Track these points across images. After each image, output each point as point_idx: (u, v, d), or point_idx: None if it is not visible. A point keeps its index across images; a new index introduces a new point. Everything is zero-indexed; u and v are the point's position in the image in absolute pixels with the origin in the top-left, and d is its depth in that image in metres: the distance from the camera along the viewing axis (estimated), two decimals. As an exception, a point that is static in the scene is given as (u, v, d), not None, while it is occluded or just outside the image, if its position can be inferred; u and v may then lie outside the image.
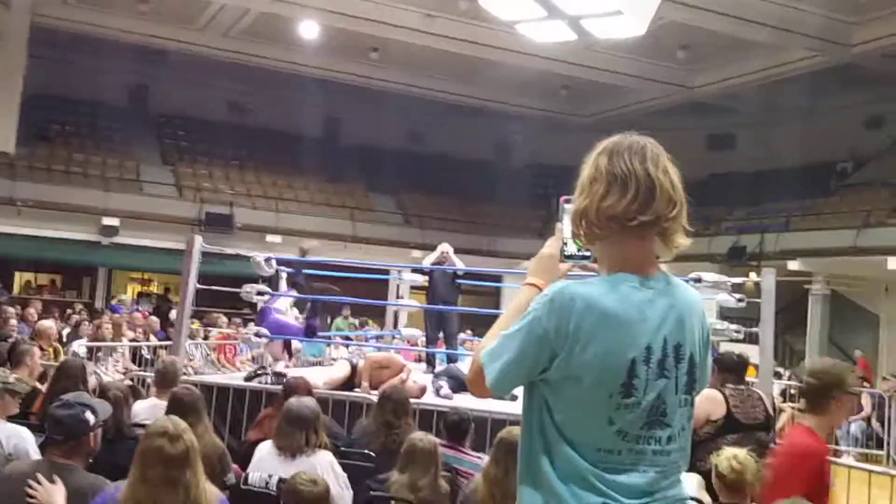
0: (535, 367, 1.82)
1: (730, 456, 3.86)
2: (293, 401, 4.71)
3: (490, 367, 1.85)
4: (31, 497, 3.31)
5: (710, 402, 5.13)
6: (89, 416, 3.52)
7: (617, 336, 1.78)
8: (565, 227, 1.97)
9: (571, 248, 1.98)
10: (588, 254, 1.96)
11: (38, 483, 3.34)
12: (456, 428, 5.29)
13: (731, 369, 5.44)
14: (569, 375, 1.79)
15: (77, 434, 3.47)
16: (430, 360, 9.93)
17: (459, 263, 9.62)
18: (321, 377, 7.37)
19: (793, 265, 18.33)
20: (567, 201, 1.97)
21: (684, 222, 1.89)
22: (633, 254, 1.86)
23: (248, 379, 7.64)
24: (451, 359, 9.24)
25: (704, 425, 5.09)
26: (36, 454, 4.31)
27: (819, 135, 22.25)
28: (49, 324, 8.75)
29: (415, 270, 11.48)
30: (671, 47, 19.60)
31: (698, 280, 7.31)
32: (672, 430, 1.84)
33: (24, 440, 4.38)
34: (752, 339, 8.53)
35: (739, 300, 7.76)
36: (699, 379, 1.91)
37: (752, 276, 13.01)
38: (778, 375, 12.83)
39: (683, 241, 1.89)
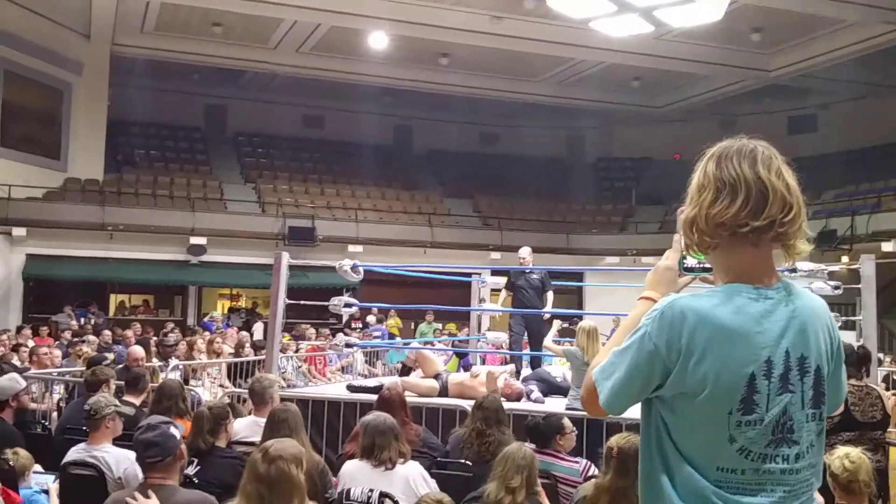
0: (647, 384, 1.76)
1: (842, 455, 3.72)
2: (369, 418, 4.71)
3: (602, 386, 1.80)
4: None
5: None
6: (174, 431, 3.62)
7: (733, 350, 1.70)
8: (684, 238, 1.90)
9: (691, 261, 1.90)
10: (710, 266, 1.88)
11: (135, 500, 3.43)
12: (534, 433, 5.19)
13: (852, 363, 5.12)
14: (684, 392, 1.72)
15: (171, 450, 3.56)
16: (516, 364, 9.88)
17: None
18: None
19: (887, 247, 17.65)
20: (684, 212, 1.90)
21: (805, 226, 1.79)
22: (747, 262, 1.77)
23: (352, 390, 7.79)
24: (535, 361, 9.15)
25: None
26: (143, 478, 4.44)
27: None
28: (138, 349, 8.98)
29: (495, 273, 11.46)
30: (745, 31, 19.12)
31: (793, 270, 7.08)
32: (800, 448, 1.75)
33: (134, 464, 4.49)
34: (846, 325, 8.24)
35: (835, 287, 7.49)
36: (828, 392, 1.81)
37: (845, 260, 12.60)
38: (879, 362, 12.33)
39: (805, 247, 1.80)
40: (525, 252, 9.66)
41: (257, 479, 3.10)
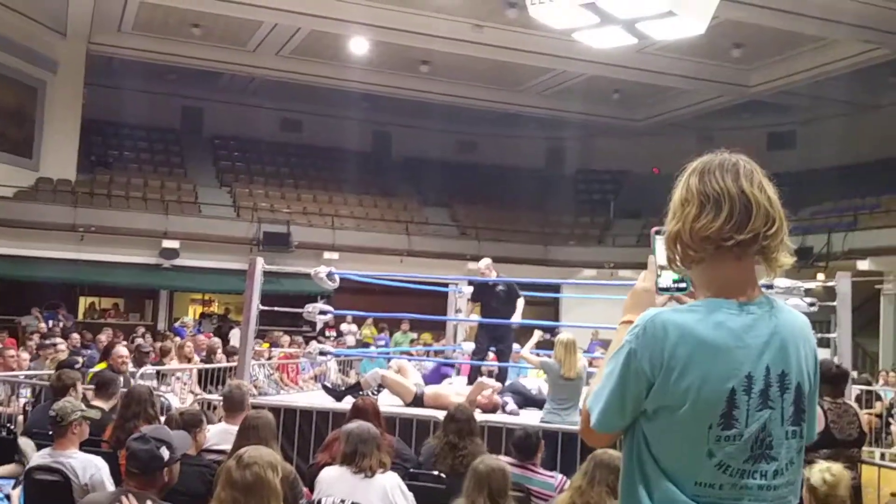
0: (636, 401, 1.76)
1: (823, 469, 3.73)
2: (352, 426, 4.68)
3: (594, 410, 1.81)
4: None
5: None
6: (164, 452, 3.55)
7: (714, 364, 1.70)
8: (658, 258, 1.88)
9: (666, 280, 1.88)
10: (684, 285, 1.86)
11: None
12: (523, 445, 5.17)
13: (830, 381, 5.15)
14: (664, 406, 1.72)
15: (150, 469, 3.49)
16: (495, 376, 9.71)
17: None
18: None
19: (862, 265, 17.81)
20: (658, 232, 1.88)
21: (787, 240, 1.80)
22: (730, 277, 1.77)
23: (328, 391, 7.74)
24: (502, 372, 8.96)
25: None
26: (111, 484, 4.33)
27: (885, 129, 21.61)
28: (122, 348, 8.88)
29: (472, 283, 11.35)
30: (725, 46, 19.27)
31: (770, 286, 7.06)
32: (779, 464, 1.75)
33: (100, 470, 4.42)
34: (821, 342, 8.20)
35: (811, 304, 7.49)
36: (808, 409, 1.82)
37: (820, 277, 12.67)
38: (852, 380, 12.37)
39: (787, 260, 1.80)
40: (483, 264, 9.22)
41: (231, 485, 3.04)
